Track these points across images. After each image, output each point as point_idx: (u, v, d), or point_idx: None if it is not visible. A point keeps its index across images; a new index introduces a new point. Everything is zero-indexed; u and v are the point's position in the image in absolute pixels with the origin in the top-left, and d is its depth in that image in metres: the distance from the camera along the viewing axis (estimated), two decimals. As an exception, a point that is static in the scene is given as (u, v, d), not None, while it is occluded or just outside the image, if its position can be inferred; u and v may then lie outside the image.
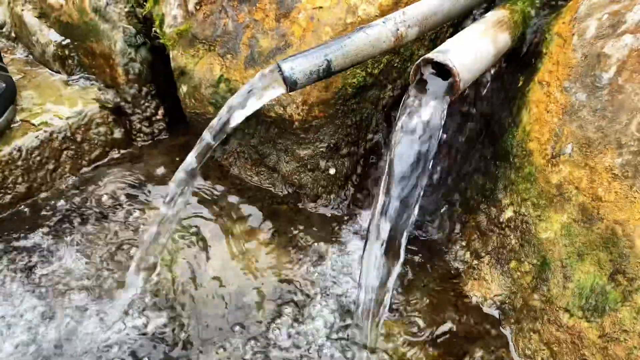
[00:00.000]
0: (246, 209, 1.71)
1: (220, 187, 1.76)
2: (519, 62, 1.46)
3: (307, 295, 1.48)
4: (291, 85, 1.23)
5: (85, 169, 1.81)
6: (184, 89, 1.76)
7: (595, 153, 1.19)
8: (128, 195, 1.72)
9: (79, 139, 1.78)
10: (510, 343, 1.34)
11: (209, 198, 1.73)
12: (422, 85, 1.22)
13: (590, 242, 1.19)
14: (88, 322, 1.42)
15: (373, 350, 1.38)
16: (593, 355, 1.15)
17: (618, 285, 1.13)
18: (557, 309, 1.24)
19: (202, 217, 1.66)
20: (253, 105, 1.29)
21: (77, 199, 1.69)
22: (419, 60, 1.17)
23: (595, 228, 1.18)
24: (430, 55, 1.15)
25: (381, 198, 1.27)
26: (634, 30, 1.15)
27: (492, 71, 1.50)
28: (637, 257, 1.10)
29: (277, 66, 1.22)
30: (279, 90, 1.26)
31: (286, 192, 1.74)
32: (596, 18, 1.25)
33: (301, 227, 1.66)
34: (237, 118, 1.31)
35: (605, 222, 1.16)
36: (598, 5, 1.26)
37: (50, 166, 1.73)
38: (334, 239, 1.63)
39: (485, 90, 1.53)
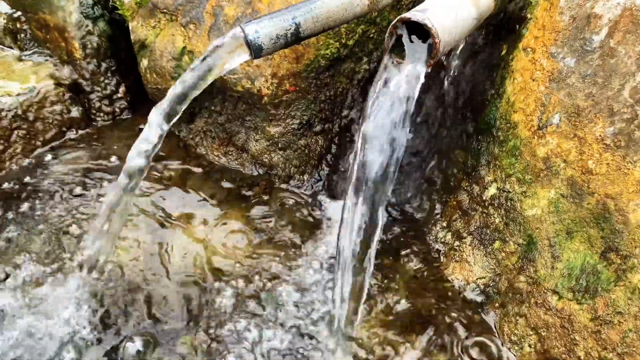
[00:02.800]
0: (213, 191, 1.59)
1: (185, 169, 1.64)
2: (501, 29, 1.36)
3: (276, 289, 1.38)
4: (256, 50, 1.11)
5: (39, 150, 1.67)
6: (144, 63, 1.63)
7: (585, 122, 1.10)
8: (83, 177, 1.59)
9: (31, 118, 1.64)
10: (495, 329, 1.25)
11: (172, 180, 1.61)
12: (399, 50, 1.12)
13: (580, 218, 1.10)
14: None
15: (350, 338, 1.28)
16: (584, 340, 1.07)
17: (611, 264, 1.04)
18: (545, 290, 1.15)
19: (163, 200, 1.55)
20: (212, 75, 1.17)
21: (28, 181, 1.56)
22: (395, 21, 1.07)
23: (585, 203, 1.09)
24: (407, 14, 1.05)
25: (355, 176, 1.17)
26: (627, -12, 1.06)
27: (473, 38, 1.40)
28: (631, 232, 1.02)
29: (240, 29, 1.10)
30: (243, 56, 1.14)
31: (256, 173, 1.62)
32: (585, -22, 1.16)
33: (272, 210, 1.56)
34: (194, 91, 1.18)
35: (596, 197, 1.08)
36: (587, -36, 1.17)
37: (-1, 147, 1.60)
38: (307, 223, 1.53)
39: (465, 59, 1.43)
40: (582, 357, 1.08)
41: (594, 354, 1.06)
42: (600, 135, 1.07)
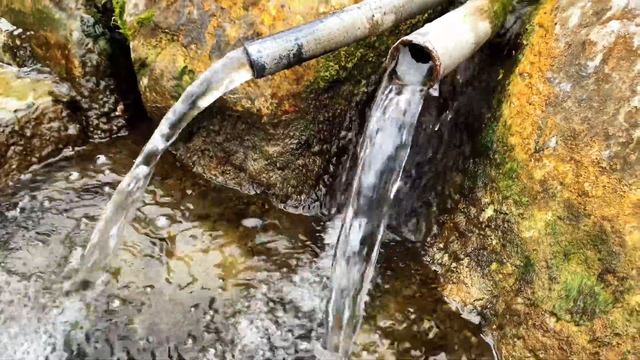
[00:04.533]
0: (209, 211, 1.59)
1: (181, 188, 1.64)
2: (498, 54, 1.39)
3: (273, 307, 1.36)
4: (259, 70, 1.13)
5: (35, 167, 1.66)
6: (144, 81, 1.64)
7: (581, 146, 1.12)
8: (77, 194, 1.58)
9: (28, 134, 1.64)
10: (493, 351, 1.25)
11: (168, 199, 1.60)
12: (399, 73, 1.14)
13: (577, 240, 1.12)
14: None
15: (346, 361, 1.27)
16: (583, 362, 1.07)
17: (608, 286, 1.05)
18: (543, 312, 1.15)
19: (161, 218, 1.54)
20: (215, 93, 1.18)
21: (22, 198, 1.54)
22: (396, 43, 1.09)
23: (582, 225, 1.11)
24: (408, 37, 1.07)
25: (353, 196, 1.18)
26: (621, 16, 1.10)
27: (471, 63, 1.43)
28: (627, 254, 1.03)
29: (243, 49, 1.12)
30: (245, 75, 1.16)
31: (253, 193, 1.63)
32: (579, 6, 1.20)
33: (269, 230, 1.55)
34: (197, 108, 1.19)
35: (593, 219, 1.09)
36: (581, -7, 1.21)
37: (-5, 162, 1.59)
38: (304, 244, 1.53)
39: (463, 83, 1.46)
40: (580, 380, 1.08)
41: (592, 377, 1.06)
42: (596, 159, 1.09)
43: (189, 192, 1.64)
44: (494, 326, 1.27)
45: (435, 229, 1.46)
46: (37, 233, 1.47)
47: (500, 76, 1.36)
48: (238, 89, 1.47)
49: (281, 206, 1.60)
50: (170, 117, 1.17)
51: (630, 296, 1.01)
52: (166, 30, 1.56)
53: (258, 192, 1.62)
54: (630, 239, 1.03)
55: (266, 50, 1.12)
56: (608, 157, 1.08)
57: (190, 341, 1.29)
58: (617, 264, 1.04)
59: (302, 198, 1.61)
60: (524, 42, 1.31)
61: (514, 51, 1.34)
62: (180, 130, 1.18)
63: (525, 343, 1.18)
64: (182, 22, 1.53)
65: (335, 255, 1.21)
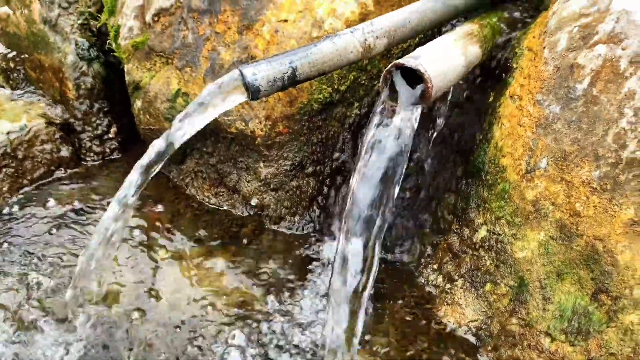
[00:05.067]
0: (202, 232, 1.58)
1: (174, 210, 1.63)
2: (488, 77, 1.42)
3: (268, 332, 1.35)
4: (253, 92, 1.14)
5: (26, 188, 1.65)
6: (138, 104, 1.65)
7: (571, 166, 1.14)
8: (68, 216, 1.57)
9: (20, 156, 1.64)
10: (489, 372, 1.24)
11: (160, 221, 1.59)
12: (392, 94, 1.16)
13: (570, 260, 1.12)
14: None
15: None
16: (579, 382, 1.07)
17: (602, 305, 1.06)
18: (538, 333, 1.15)
19: (150, 241, 1.52)
20: (210, 115, 1.19)
21: (11, 220, 1.53)
22: (389, 66, 1.11)
23: (575, 245, 1.12)
24: (401, 60, 1.09)
25: (348, 217, 1.18)
26: (607, 41, 1.13)
27: (462, 85, 1.46)
28: (620, 274, 1.04)
29: (238, 72, 1.13)
30: (240, 97, 1.17)
31: (247, 214, 1.62)
32: (567, 31, 1.23)
33: (263, 253, 1.55)
34: (191, 129, 1.20)
35: (585, 239, 1.10)
36: (568, 19, 1.24)
37: (-14, 184, 1.58)
38: (297, 266, 1.52)
39: (454, 106, 1.48)
40: (576, 401, 1.08)
41: (588, 398, 1.06)
42: (586, 179, 1.11)
43: (181, 214, 1.63)
44: (489, 347, 1.26)
45: (429, 250, 1.46)
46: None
47: (491, 99, 1.39)
48: (232, 111, 1.48)
49: (275, 227, 1.60)
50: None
51: (624, 315, 1.02)
52: (161, 53, 1.58)
53: (251, 213, 1.62)
54: (622, 259, 1.04)
55: (261, 72, 1.14)
56: (598, 177, 1.09)
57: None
58: (610, 284, 1.05)
59: (296, 219, 1.61)
60: (514, 65, 1.34)
61: (504, 74, 1.37)
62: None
63: (521, 364, 1.18)
64: (177, 45, 1.55)
65: (331, 276, 1.21)
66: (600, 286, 1.07)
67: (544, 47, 1.25)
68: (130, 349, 1.30)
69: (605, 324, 1.04)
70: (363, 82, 1.57)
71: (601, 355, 1.04)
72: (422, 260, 1.47)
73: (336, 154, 1.62)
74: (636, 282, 1.01)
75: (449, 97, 1.44)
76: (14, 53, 1.82)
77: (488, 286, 1.29)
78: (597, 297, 1.07)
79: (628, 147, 1.06)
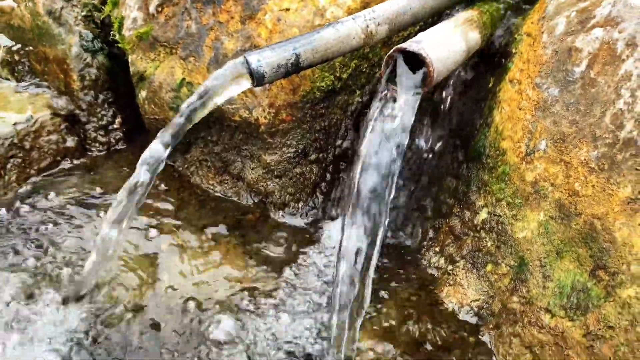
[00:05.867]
0: (207, 221, 1.61)
1: (179, 198, 1.66)
2: (488, 63, 1.45)
3: (271, 316, 1.38)
4: (258, 78, 1.16)
5: (33, 179, 1.68)
6: (143, 94, 1.67)
7: (570, 148, 1.17)
8: (73, 206, 1.59)
9: (27, 147, 1.66)
10: (492, 349, 1.27)
11: (165, 210, 1.62)
12: (394, 79, 1.18)
13: (569, 238, 1.15)
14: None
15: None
16: (578, 355, 1.10)
17: (600, 281, 1.09)
18: (538, 309, 1.18)
19: (154, 230, 1.54)
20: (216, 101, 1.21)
21: (21, 209, 1.56)
22: (392, 50, 1.13)
23: (574, 224, 1.15)
24: (404, 44, 1.12)
25: (352, 202, 1.21)
26: (604, 24, 1.15)
27: (463, 71, 1.48)
28: (617, 250, 1.07)
29: (243, 59, 1.16)
30: (245, 84, 1.19)
31: (251, 202, 1.65)
32: (564, 16, 1.25)
33: (267, 239, 1.57)
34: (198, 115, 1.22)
35: (584, 217, 1.13)
36: (566, 4, 1.27)
37: (-6, 174, 1.60)
38: (302, 252, 1.55)
39: (455, 91, 1.50)
40: (576, 375, 1.11)
41: (588, 371, 1.09)
42: (585, 159, 1.14)
43: (186, 201, 1.66)
44: (491, 326, 1.29)
45: (431, 233, 1.49)
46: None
47: (491, 84, 1.41)
48: (236, 100, 1.50)
49: (279, 214, 1.63)
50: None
51: (622, 290, 1.05)
52: (165, 43, 1.60)
53: (256, 200, 1.65)
54: (619, 235, 1.07)
55: (265, 60, 1.16)
56: (596, 157, 1.12)
57: None
58: (608, 260, 1.08)
59: (300, 206, 1.64)
60: (513, 50, 1.37)
61: (503, 59, 1.40)
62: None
63: (522, 340, 1.21)
64: (181, 35, 1.57)
65: (338, 259, 1.23)
66: (599, 263, 1.10)
67: (543, 32, 1.28)
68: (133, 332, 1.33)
69: (604, 299, 1.07)
70: (365, 69, 1.59)
71: (599, 329, 1.07)
72: (425, 243, 1.50)
73: (339, 141, 1.65)
74: (633, 257, 1.04)
75: (450, 82, 1.47)
76: (19, 46, 1.84)
77: (489, 266, 1.32)
78: (596, 274, 1.10)
79: (625, 127, 1.09)
